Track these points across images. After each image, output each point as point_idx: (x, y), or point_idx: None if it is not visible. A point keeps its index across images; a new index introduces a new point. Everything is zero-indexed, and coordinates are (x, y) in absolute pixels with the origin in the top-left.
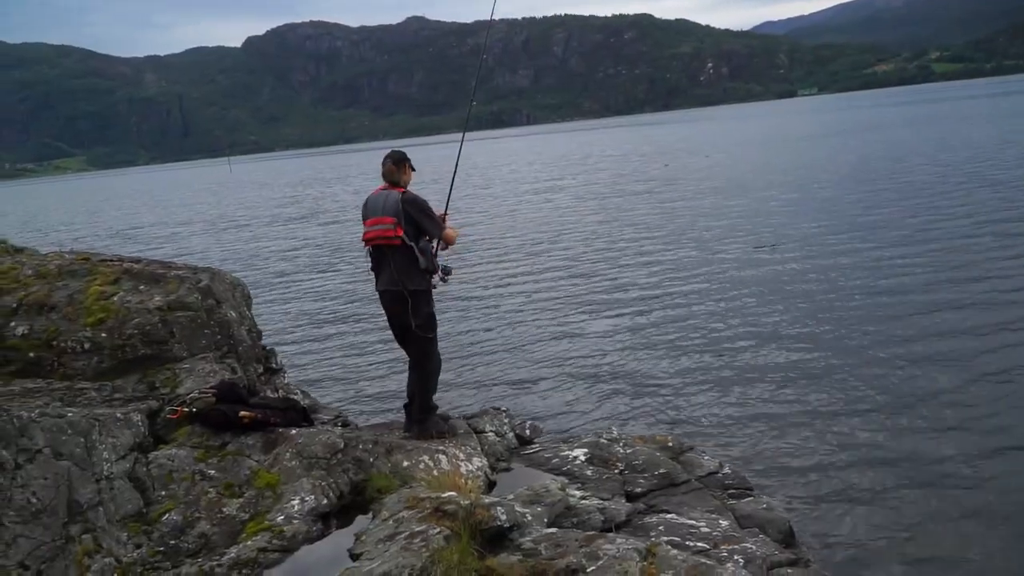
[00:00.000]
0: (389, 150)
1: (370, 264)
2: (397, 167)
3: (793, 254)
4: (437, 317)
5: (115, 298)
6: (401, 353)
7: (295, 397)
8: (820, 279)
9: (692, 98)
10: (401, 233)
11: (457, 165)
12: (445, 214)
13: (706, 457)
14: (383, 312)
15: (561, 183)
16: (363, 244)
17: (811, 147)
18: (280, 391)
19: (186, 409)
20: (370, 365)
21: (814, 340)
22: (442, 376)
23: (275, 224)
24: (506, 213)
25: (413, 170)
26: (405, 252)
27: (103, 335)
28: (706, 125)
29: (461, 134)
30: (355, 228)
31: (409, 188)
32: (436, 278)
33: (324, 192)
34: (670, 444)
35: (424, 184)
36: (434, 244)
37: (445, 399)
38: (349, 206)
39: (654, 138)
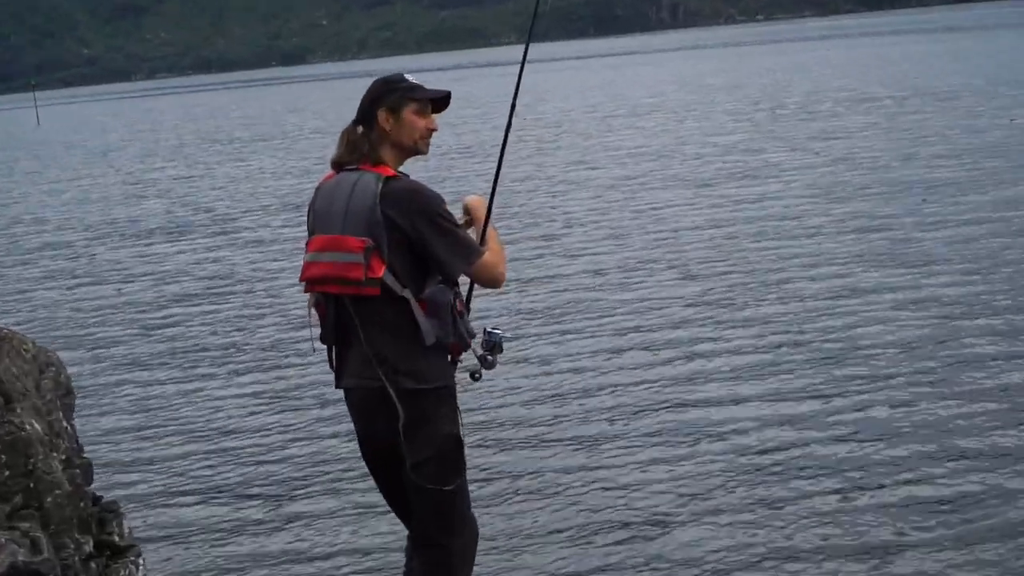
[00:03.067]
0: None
1: (317, 328)
2: (365, 121)
3: None
4: (466, 443)
5: None
6: (385, 513)
7: None
8: None
9: None
10: (381, 273)
11: (512, 113)
12: (487, 219)
13: None
14: (351, 428)
15: (760, 157)
16: (304, 287)
17: None
18: None
19: None
20: (319, 539)
21: None
22: (478, 565)
23: (126, 240)
24: (639, 225)
25: (414, 103)
26: (391, 310)
27: None
28: None
29: (524, 46)
30: (293, 254)
31: (401, 169)
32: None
33: (235, 172)
34: None
35: (454, 159)
36: (452, 295)
37: None
38: (287, 204)
39: (959, 57)
